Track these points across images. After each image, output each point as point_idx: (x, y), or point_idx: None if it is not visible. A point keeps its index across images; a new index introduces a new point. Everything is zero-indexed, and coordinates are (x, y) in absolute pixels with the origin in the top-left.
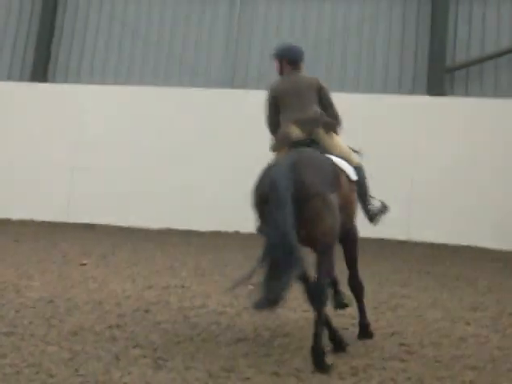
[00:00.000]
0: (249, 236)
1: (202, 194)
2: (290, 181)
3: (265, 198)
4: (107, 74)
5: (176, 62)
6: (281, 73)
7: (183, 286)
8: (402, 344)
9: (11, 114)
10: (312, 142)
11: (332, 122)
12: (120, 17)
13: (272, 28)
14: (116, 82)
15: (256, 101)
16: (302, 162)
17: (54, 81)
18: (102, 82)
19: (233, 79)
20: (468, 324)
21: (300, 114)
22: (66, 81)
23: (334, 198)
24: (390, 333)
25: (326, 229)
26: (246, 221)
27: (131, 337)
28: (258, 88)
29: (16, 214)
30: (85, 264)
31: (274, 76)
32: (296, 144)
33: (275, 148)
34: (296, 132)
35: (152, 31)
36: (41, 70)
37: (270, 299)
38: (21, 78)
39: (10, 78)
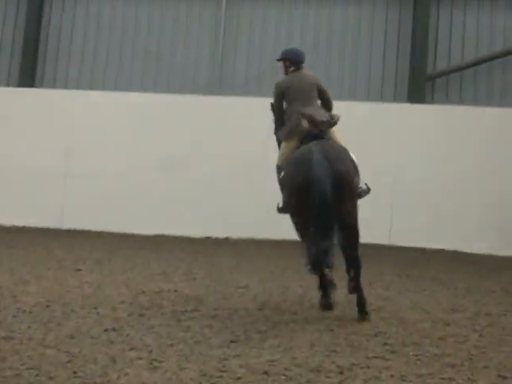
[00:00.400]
0: (240, 242)
1: (195, 200)
2: (329, 169)
3: (309, 183)
4: (95, 79)
5: (164, 67)
6: (286, 72)
7: (176, 291)
8: (385, 344)
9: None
10: (321, 133)
11: (333, 118)
12: (107, 21)
13: (257, 33)
14: (104, 88)
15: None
16: (334, 153)
17: (41, 86)
18: (90, 87)
19: (219, 84)
20: (447, 325)
21: (305, 108)
22: (53, 86)
23: (356, 184)
24: (374, 333)
25: (353, 208)
26: (237, 226)
27: (127, 340)
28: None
29: (9, 221)
30: (80, 270)
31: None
32: (308, 135)
33: (286, 137)
34: (305, 124)
35: (140, 36)
36: (28, 76)
37: (319, 260)
38: (8, 83)
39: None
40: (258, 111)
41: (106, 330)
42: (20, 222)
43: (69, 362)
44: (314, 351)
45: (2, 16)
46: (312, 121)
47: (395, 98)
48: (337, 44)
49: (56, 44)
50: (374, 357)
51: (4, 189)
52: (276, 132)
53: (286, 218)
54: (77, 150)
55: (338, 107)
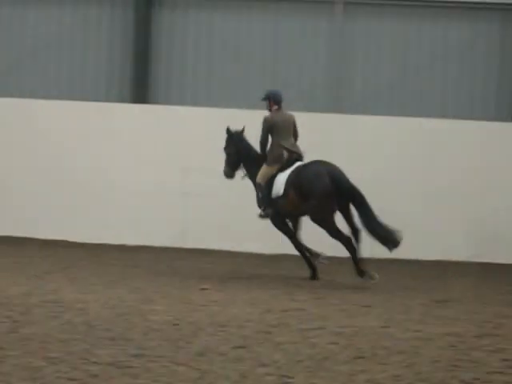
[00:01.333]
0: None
1: None
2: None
3: (334, 188)
4: (211, 94)
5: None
6: (270, 109)
7: (302, 309)
8: (504, 359)
9: (118, 136)
10: (298, 158)
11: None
12: (219, 35)
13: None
14: (219, 105)
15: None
16: (335, 167)
17: (155, 102)
18: (207, 103)
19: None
20: None
21: (285, 141)
22: (168, 102)
23: None
24: (494, 349)
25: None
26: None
27: (255, 357)
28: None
29: (129, 240)
30: (206, 289)
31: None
32: (289, 160)
33: (271, 163)
34: (285, 153)
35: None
36: (140, 91)
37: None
38: (121, 99)
39: (108, 98)
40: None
41: (234, 348)
42: (139, 241)
43: (200, 378)
44: (437, 366)
45: (110, 31)
46: (289, 151)
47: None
48: (454, 59)
49: (168, 60)
50: (494, 372)
51: (122, 207)
52: (260, 154)
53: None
54: (194, 167)
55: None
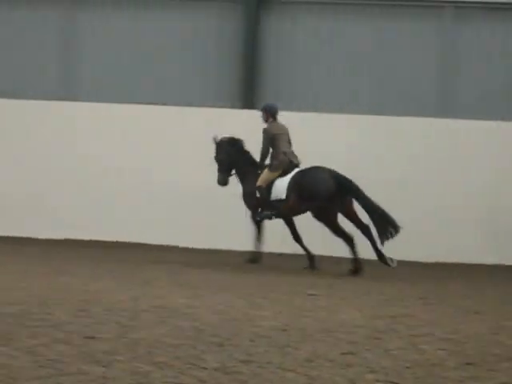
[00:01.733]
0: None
1: None
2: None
3: (338, 188)
4: (324, 100)
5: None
6: (266, 120)
7: (411, 316)
8: None
9: None
10: (297, 165)
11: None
12: (327, 37)
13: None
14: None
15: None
16: (334, 171)
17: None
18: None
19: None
20: None
21: (287, 149)
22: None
23: None
24: None
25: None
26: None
27: (364, 363)
28: None
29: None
30: (313, 294)
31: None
32: (291, 166)
33: (275, 169)
34: (287, 161)
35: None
36: (249, 96)
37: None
38: (231, 105)
39: (215, 104)
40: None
41: (343, 353)
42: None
43: None
44: None
45: (218, 35)
46: (290, 158)
47: None
48: None
49: (276, 63)
50: None
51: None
52: (260, 162)
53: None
54: None
55: None
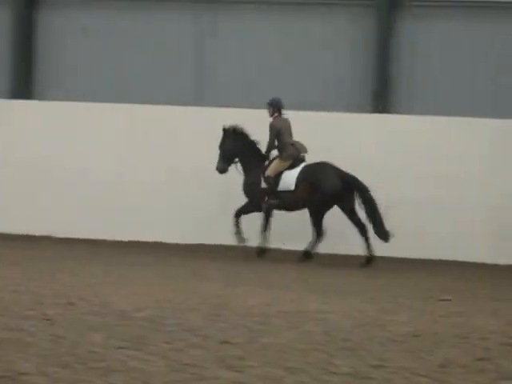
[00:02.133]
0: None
1: None
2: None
3: (343, 187)
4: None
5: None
6: (271, 115)
7: None
8: None
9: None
10: (303, 159)
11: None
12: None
13: None
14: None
15: None
16: (337, 168)
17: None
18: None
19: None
20: None
21: (295, 141)
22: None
23: None
24: None
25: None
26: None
27: (498, 369)
28: None
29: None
30: (446, 299)
31: None
32: (298, 158)
33: (286, 158)
34: (297, 151)
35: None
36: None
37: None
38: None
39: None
40: None
41: (476, 360)
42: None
43: None
44: None
45: (351, 40)
46: (299, 149)
47: None
48: None
49: (408, 68)
50: None
51: None
52: (266, 154)
53: None
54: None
55: None
